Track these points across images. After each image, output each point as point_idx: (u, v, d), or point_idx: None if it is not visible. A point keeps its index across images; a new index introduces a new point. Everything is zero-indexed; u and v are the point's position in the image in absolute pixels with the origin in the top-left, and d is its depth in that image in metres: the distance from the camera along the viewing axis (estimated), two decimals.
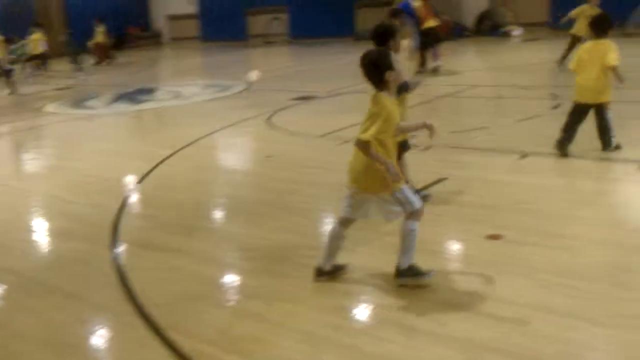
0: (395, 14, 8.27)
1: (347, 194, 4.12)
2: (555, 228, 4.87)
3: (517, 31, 20.61)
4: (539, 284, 3.99)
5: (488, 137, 7.91)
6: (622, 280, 3.99)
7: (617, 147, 6.66)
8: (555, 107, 9.26)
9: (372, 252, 4.67)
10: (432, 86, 11.45)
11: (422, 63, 13.63)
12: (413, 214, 4.02)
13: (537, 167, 6.51)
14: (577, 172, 6.34)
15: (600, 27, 6.57)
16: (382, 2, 23.04)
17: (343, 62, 17.86)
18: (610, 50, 6.39)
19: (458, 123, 8.76)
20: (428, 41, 13.42)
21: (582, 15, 11.95)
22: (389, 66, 3.93)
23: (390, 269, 4.10)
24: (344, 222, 4.20)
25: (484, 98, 10.75)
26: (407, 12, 14.11)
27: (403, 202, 3.97)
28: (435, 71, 13.56)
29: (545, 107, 9.33)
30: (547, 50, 17.36)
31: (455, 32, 21.18)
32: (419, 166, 6.80)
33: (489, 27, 21.34)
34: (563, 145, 6.70)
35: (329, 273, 4.26)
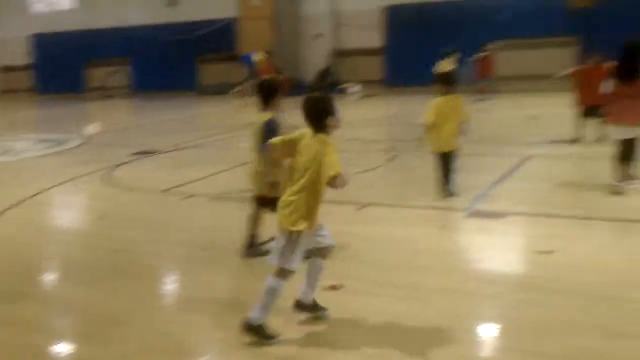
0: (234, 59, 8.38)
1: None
2: (391, 278, 5.00)
3: (355, 88, 21.54)
4: (377, 334, 4.04)
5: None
6: (466, 327, 4.14)
7: (453, 195, 7.11)
8: (391, 159, 9.69)
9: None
10: None
11: None
12: (283, 272, 3.98)
13: (375, 217, 6.71)
14: (412, 221, 6.59)
15: (450, 83, 7.23)
16: (224, 57, 23.31)
17: (185, 116, 17.71)
18: (463, 105, 7.13)
19: None
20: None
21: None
22: (332, 112, 4.07)
23: None
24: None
25: None
26: (248, 63, 14.39)
27: (286, 252, 3.97)
28: None
29: (382, 159, 9.72)
30: (383, 106, 18.31)
31: (296, 88, 21.76)
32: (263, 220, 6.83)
33: (328, 84, 22.14)
34: (445, 190, 7.22)
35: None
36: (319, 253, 4.21)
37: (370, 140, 11.69)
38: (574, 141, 10.01)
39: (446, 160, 7.26)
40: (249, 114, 14.50)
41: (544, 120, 12.74)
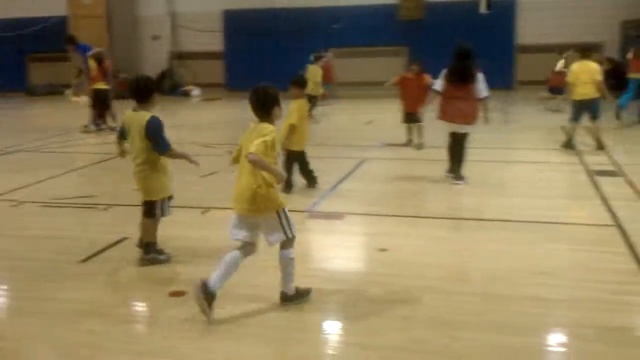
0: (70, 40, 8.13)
1: (236, 218, 4.50)
2: (237, 280, 5.05)
3: (196, 91, 21.33)
4: (224, 338, 4.07)
5: (175, 193, 7.93)
6: (306, 325, 4.26)
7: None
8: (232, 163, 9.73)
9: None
10: (111, 145, 11.20)
11: (101, 120, 13.46)
12: (288, 242, 4.44)
13: (220, 220, 6.71)
14: None
15: (304, 86, 7.90)
16: (54, 56, 22.11)
17: (13, 117, 16.62)
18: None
19: None
20: (98, 103, 13.35)
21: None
22: (278, 102, 4.45)
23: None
24: (244, 247, 4.48)
25: None
26: (83, 54, 13.81)
27: (284, 225, 4.40)
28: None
29: (225, 163, 9.71)
30: (224, 109, 18.29)
31: None
32: (99, 226, 6.62)
33: (169, 86, 21.74)
34: (289, 186, 7.65)
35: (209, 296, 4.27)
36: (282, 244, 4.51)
37: (212, 144, 11.65)
38: (405, 144, 10.67)
39: (305, 158, 7.89)
40: (81, 114, 13.98)
41: (379, 125, 13.38)
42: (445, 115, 8.14)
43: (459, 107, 7.93)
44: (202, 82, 22.03)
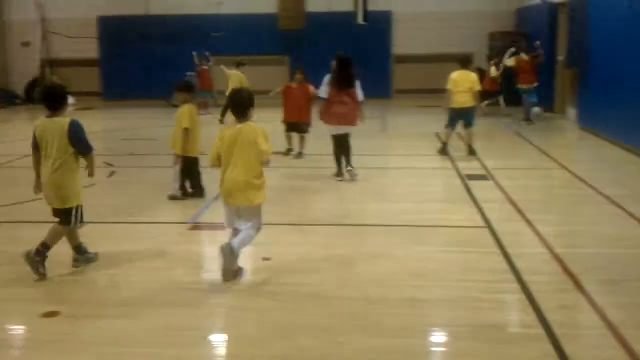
0: None
1: (232, 210, 5.25)
2: (114, 296, 4.89)
3: (70, 100, 20.43)
4: (98, 358, 3.92)
5: (43, 208, 7.56)
6: (188, 339, 4.17)
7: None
8: (110, 175, 9.42)
9: None
10: None
11: None
12: (259, 229, 5.33)
13: (94, 236, 6.46)
14: (132, 236, 6.46)
15: (192, 91, 8.23)
16: None
17: None
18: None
19: (8, 196, 8.22)
20: None
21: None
22: (253, 104, 5.27)
23: None
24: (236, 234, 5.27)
25: None
26: None
27: (261, 214, 5.30)
28: None
29: (100, 175, 9.38)
30: (99, 120, 17.66)
31: (4, 99, 20.06)
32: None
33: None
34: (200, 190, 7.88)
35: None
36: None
37: None
38: (285, 153, 10.58)
39: (197, 166, 7.87)
40: None
41: None
42: (329, 118, 8.72)
43: (342, 110, 8.61)
44: (77, 90, 21.12)
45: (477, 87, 10.45)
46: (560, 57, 15.13)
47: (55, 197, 5.37)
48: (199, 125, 7.93)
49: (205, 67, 18.03)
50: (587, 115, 13.00)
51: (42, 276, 5.20)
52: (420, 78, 18.99)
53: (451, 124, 10.64)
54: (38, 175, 5.39)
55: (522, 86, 14.60)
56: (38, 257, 5.25)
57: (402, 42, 19.93)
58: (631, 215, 6.84)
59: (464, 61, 10.68)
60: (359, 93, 8.70)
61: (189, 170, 7.88)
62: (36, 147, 5.37)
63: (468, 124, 10.57)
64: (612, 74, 11.48)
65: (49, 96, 5.42)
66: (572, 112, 14.29)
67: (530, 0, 17.89)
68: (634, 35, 10.44)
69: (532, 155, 10.71)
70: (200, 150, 7.82)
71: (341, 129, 8.75)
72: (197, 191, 7.92)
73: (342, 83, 8.55)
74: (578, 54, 13.37)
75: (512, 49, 15.48)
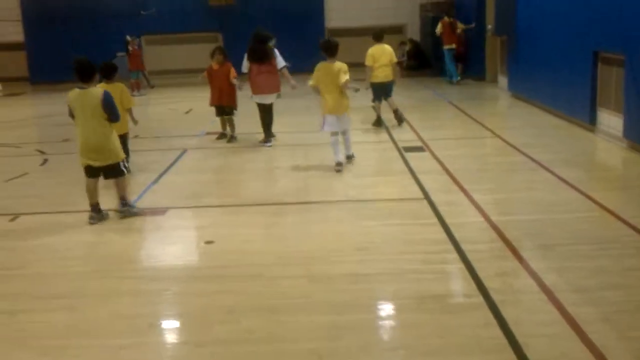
0: None
1: (334, 118, 8.03)
2: (51, 289, 4.79)
3: None
4: (41, 352, 3.85)
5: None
6: (133, 328, 4.13)
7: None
8: (43, 163, 9.16)
9: None
10: None
11: None
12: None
13: (29, 227, 6.30)
14: (68, 226, 6.31)
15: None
16: None
17: None
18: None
19: None
20: None
21: None
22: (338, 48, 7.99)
23: None
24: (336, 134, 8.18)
25: None
26: None
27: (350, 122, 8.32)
28: None
29: (33, 164, 9.13)
30: (29, 106, 17.09)
31: None
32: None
33: None
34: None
35: None
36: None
37: (18, 144, 10.85)
38: (219, 137, 10.31)
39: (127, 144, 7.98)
40: None
41: (198, 113, 13.20)
42: (255, 89, 9.57)
43: (264, 81, 9.51)
44: (3, 75, 20.39)
45: (394, 59, 10.60)
46: (489, 26, 15.42)
47: (103, 157, 6.29)
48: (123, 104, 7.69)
49: (136, 47, 17.63)
50: (517, 83, 13.32)
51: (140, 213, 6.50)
52: (354, 51, 18.99)
53: (377, 97, 10.73)
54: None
55: (444, 46, 16.13)
56: (126, 207, 6.50)
57: (336, 15, 19.93)
58: (563, 179, 7.07)
59: (378, 35, 10.71)
60: (279, 61, 9.67)
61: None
62: (70, 114, 6.35)
63: (388, 96, 10.71)
64: (540, 41, 11.76)
65: (79, 69, 6.20)
66: (502, 80, 14.61)
67: None
68: (560, 2, 10.70)
69: (466, 124, 10.93)
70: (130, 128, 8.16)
71: (266, 98, 9.61)
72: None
73: (260, 57, 9.50)
74: (506, 22, 13.64)
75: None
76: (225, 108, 10.03)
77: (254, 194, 7.33)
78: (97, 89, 6.32)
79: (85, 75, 6.22)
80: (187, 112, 13.73)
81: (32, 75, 20.49)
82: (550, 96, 11.22)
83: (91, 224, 6.27)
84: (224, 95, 9.90)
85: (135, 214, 6.47)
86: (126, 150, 7.77)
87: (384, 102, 10.71)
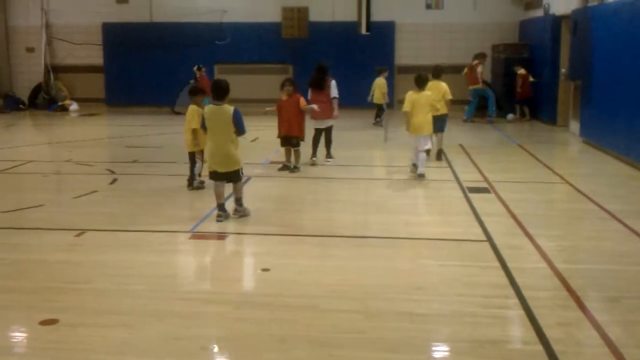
0: None
1: (424, 137, 9.67)
2: (110, 305, 4.88)
3: (73, 106, 20.49)
4: None
5: (44, 215, 7.61)
6: (186, 349, 4.16)
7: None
8: (112, 182, 9.43)
9: None
10: None
11: None
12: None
13: (94, 244, 6.47)
14: (133, 244, 6.45)
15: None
16: None
17: None
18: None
19: (11, 202, 8.23)
20: None
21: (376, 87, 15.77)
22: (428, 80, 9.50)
23: None
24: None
25: (41, 174, 10.34)
26: None
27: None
28: None
29: (102, 182, 9.40)
30: (103, 126, 17.69)
31: (8, 104, 20.10)
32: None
33: (45, 101, 20.77)
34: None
35: None
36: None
37: (90, 162, 11.21)
38: (281, 168, 10.25)
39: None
40: None
41: (264, 142, 13.37)
42: (312, 115, 10.52)
43: (322, 107, 10.50)
44: (81, 96, 21.19)
45: (449, 96, 10.95)
46: (563, 70, 15.15)
47: (227, 164, 7.24)
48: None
49: (204, 74, 18.10)
50: (589, 129, 12.98)
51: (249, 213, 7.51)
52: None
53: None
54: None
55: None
56: (241, 207, 7.47)
57: (406, 52, 19.94)
58: (633, 231, 6.81)
59: (437, 71, 11.27)
60: (333, 92, 10.73)
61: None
62: (204, 126, 7.30)
63: (440, 129, 11.15)
64: (615, 87, 11.47)
65: (216, 88, 7.29)
66: (574, 125, 14.28)
67: (534, 13, 17.90)
68: (636, 48, 10.44)
69: (534, 168, 10.69)
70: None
71: (320, 123, 10.79)
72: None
73: (315, 84, 10.77)
74: (581, 67, 13.37)
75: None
76: (292, 139, 10.10)
77: (313, 225, 7.34)
78: (229, 106, 7.24)
79: (220, 94, 7.24)
80: (252, 141, 13.92)
81: (107, 98, 21.23)
82: (625, 144, 10.88)
83: (218, 221, 7.20)
84: (293, 126, 9.98)
85: (248, 214, 7.45)
86: (192, 169, 8.80)
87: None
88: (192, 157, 8.82)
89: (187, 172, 8.93)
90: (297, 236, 6.85)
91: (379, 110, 16.00)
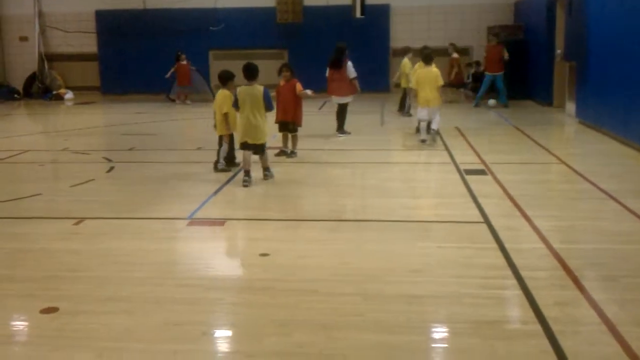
0: None
1: (425, 109, 10.95)
2: (111, 292, 4.90)
3: (68, 94, 20.43)
4: (98, 354, 3.93)
5: (42, 204, 7.62)
6: (185, 335, 4.19)
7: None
8: (109, 170, 9.43)
9: None
10: None
11: None
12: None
13: (93, 232, 6.48)
14: (131, 232, 6.47)
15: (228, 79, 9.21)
16: None
17: None
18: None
19: (9, 191, 8.24)
20: None
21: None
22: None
23: None
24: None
25: (37, 163, 10.33)
26: None
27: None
28: None
29: (99, 171, 9.40)
30: (99, 114, 17.65)
31: (2, 94, 20.04)
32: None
33: (38, 90, 20.71)
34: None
35: None
36: None
37: (86, 151, 11.21)
38: (278, 153, 10.18)
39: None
40: None
41: None
42: (333, 91, 12.06)
43: (340, 85, 11.89)
44: (76, 85, 21.14)
45: (440, 82, 11.13)
46: (559, 51, 15.13)
47: (256, 136, 8.33)
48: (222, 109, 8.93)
49: (183, 62, 18.19)
50: (585, 109, 13.00)
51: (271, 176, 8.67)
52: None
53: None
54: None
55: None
56: (268, 172, 8.62)
57: (401, 35, 19.90)
58: (630, 210, 6.84)
59: (426, 57, 11.47)
60: (350, 72, 11.84)
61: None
62: (236, 105, 8.40)
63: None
64: (610, 67, 11.48)
65: (247, 70, 8.34)
66: (570, 106, 14.29)
67: None
68: (632, 28, 10.43)
69: (530, 149, 10.71)
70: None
71: (341, 99, 12.01)
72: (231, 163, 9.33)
73: (333, 64, 11.96)
74: (576, 48, 13.36)
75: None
76: (289, 124, 10.09)
77: (311, 210, 7.36)
78: (260, 86, 8.29)
79: (251, 75, 8.31)
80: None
81: (103, 86, 21.17)
82: (621, 124, 10.90)
83: (244, 185, 8.19)
84: (288, 112, 9.98)
85: (273, 177, 8.61)
86: (232, 148, 9.22)
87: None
88: (222, 140, 9.17)
89: (185, 159, 8.95)
90: (295, 221, 6.87)
91: (405, 96, 14.89)
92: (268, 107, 8.33)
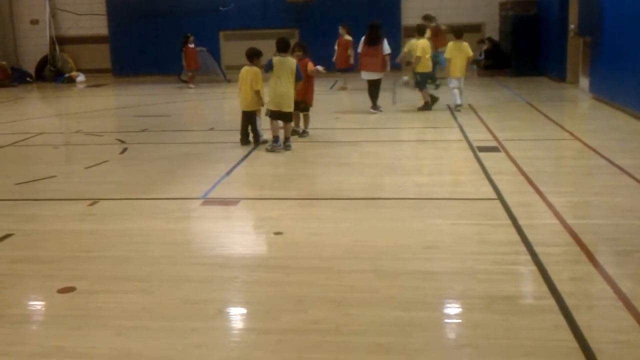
0: None
1: (457, 80, 12.01)
2: (127, 272, 4.95)
3: (80, 77, 20.49)
4: (116, 332, 3.98)
5: (57, 186, 7.68)
6: (204, 313, 4.23)
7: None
8: (123, 152, 9.47)
9: None
10: None
11: None
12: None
13: (108, 212, 6.53)
14: (146, 212, 6.50)
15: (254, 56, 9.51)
16: None
17: None
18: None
19: (24, 174, 8.30)
20: None
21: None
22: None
23: None
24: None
25: (51, 146, 10.40)
26: None
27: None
28: None
29: (113, 152, 9.45)
30: (111, 97, 17.69)
31: (15, 78, 20.10)
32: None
33: (50, 73, 20.77)
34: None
35: None
36: None
37: (99, 132, 11.26)
38: (293, 132, 10.33)
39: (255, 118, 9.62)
40: None
41: None
42: (364, 67, 12.29)
43: (372, 61, 12.13)
44: (87, 67, 21.19)
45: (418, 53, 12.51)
46: (572, 26, 14.96)
47: (284, 104, 9.05)
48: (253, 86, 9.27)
49: (191, 45, 17.92)
50: (599, 85, 12.88)
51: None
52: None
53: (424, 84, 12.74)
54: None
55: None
56: (288, 144, 9.22)
57: (412, 12, 19.73)
58: None
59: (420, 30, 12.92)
60: (385, 48, 12.16)
61: (251, 121, 9.58)
62: (269, 68, 9.01)
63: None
64: (624, 43, 11.34)
65: (280, 43, 9.09)
66: (584, 81, 14.16)
67: None
68: None
69: (544, 125, 10.65)
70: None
71: (371, 75, 12.21)
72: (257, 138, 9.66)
73: (371, 41, 12.19)
74: (590, 23, 13.20)
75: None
76: (299, 103, 10.06)
77: (325, 188, 7.37)
78: (291, 59, 9.13)
79: (284, 48, 9.08)
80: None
81: (114, 68, 21.20)
82: (635, 100, 10.79)
83: (274, 150, 9.01)
84: (299, 91, 9.95)
85: (290, 148, 9.14)
86: (255, 127, 9.53)
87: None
88: (248, 116, 9.48)
89: (198, 140, 8.95)
90: (308, 200, 6.89)
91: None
92: (298, 77, 9.08)
